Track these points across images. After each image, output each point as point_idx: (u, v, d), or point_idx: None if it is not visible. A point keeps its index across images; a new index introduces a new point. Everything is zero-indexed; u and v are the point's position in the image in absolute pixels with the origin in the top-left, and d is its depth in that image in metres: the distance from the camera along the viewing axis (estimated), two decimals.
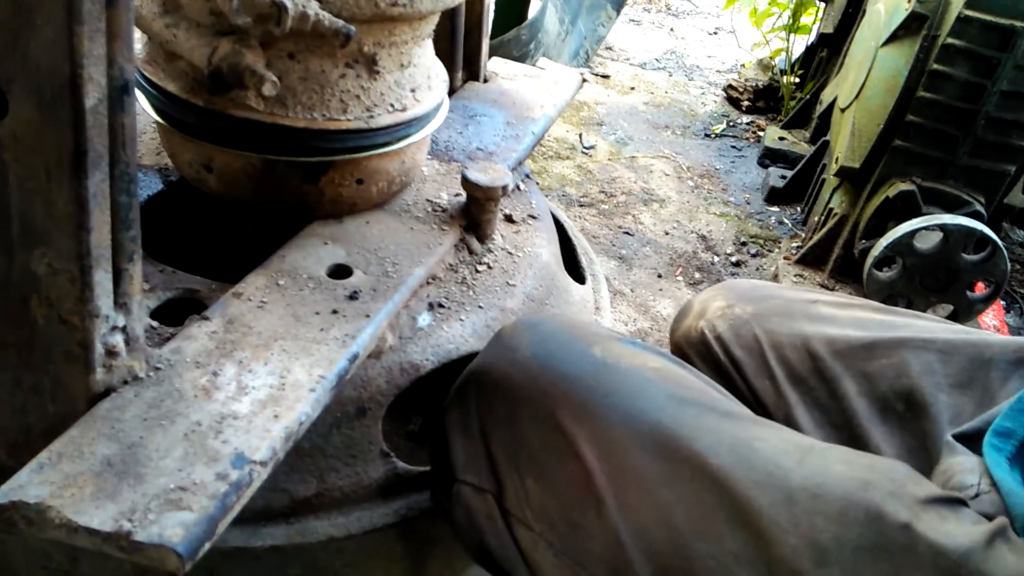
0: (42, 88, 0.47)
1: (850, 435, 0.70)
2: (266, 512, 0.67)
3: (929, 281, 1.61)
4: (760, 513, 0.52)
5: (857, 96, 1.70)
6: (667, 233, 1.98)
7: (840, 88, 1.92)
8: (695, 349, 0.83)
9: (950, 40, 1.48)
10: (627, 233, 1.95)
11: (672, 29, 3.52)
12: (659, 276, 1.81)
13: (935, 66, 1.51)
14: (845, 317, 0.77)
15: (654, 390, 0.60)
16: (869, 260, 1.59)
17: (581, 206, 2.03)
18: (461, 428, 0.65)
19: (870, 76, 1.65)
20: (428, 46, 0.81)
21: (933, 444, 0.66)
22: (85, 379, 0.55)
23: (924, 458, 0.66)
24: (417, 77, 0.78)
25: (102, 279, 0.52)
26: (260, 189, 0.75)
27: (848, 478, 0.53)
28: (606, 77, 2.90)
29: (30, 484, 0.49)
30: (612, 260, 1.85)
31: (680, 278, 1.82)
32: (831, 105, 2.03)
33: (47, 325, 0.54)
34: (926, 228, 1.52)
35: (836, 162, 1.72)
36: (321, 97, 0.71)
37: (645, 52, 3.22)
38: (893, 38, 1.59)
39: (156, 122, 0.73)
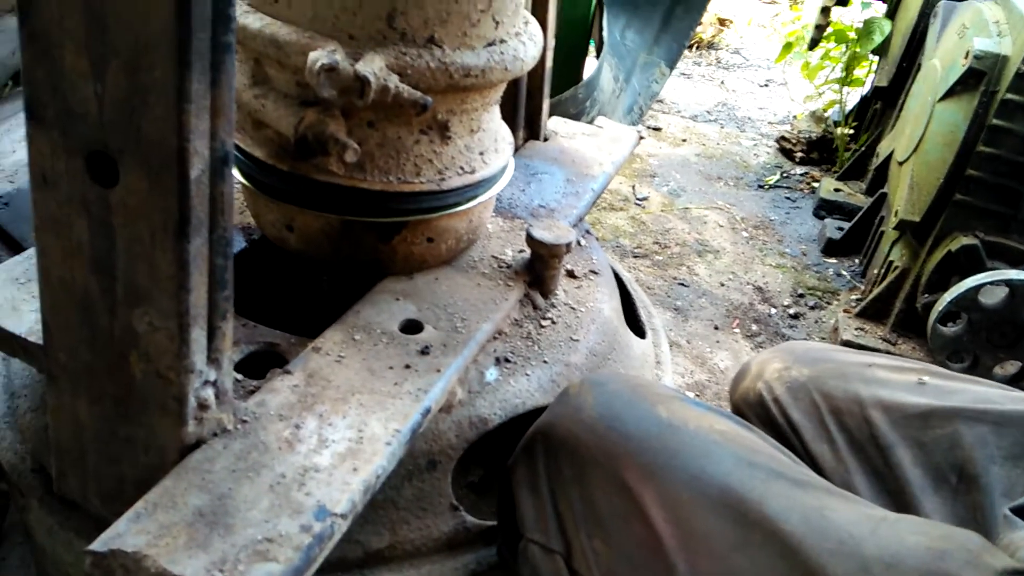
0: (151, 159, 0.50)
1: (903, 504, 0.69)
2: (340, 563, 0.69)
3: (995, 337, 1.57)
4: None
5: (915, 150, 1.69)
6: (723, 284, 1.97)
7: (897, 141, 1.91)
8: (754, 411, 0.83)
9: (1009, 96, 1.47)
10: (682, 284, 1.95)
11: (723, 82, 3.55)
12: (715, 328, 1.80)
13: (994, 121, 1.50)
14: (900, 381, 0.77)
15: (720, 452, 0.60)
16: (933, 315, 1.56)
17: (635, 257, 2.04)
18: (529, 486, 0.66)
19: (928, 130, 1.64)
20: (495, 111, 0.85)
21: (984, 516, 0.65)
22: (178, 431, 0.57)
23: (975, 530, 0.65)
24: (485, 141, 0.82)
25: (198, 336, 0.56)
26: (337, 248, 0.78)
27: (923, 548, 0.53)
28: (658, 130, 2.93)
29: (127, 533, 0.51)
30: (667, 311, 1.85)
31: (737, 330, 1.81)
32: (888, 158, 2.02)
33: (144, 379, 0.57)
34: (991, 283, 1.49)
35: (896, 215, 1.70)
36: (397, 162, 0.74)
37: (696, 104, 3.25)
38: (951, 93, 1.58)
39: (242, 185, 0.78)
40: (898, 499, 0.70)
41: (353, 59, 0.65)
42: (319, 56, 0.62)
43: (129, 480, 0.61)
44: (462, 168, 0.79)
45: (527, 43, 0.77)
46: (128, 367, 0.57)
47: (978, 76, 1.51)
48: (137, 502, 0.54)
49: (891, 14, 2.38)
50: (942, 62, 1.65)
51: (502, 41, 0.74)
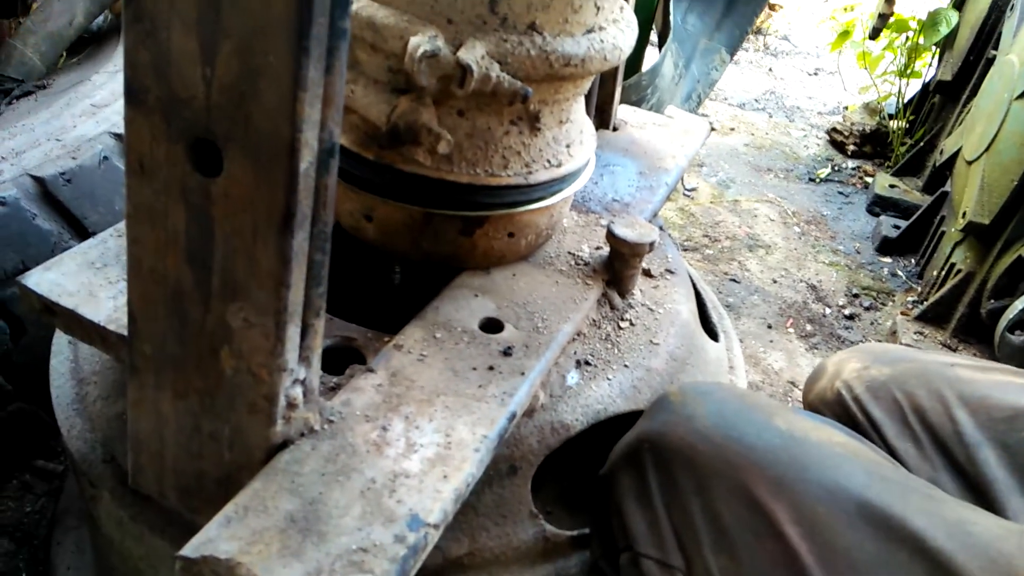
0: (259, 149, 0.48)
1: (988, 504, 0.68)
2: (420, 571, 0.66)
3: None
4: None
5: (987, 149, 1.63)
6: (775, 281, 1.93)
7: (966, 139, 1.84)
8: (831, 410, 0.83)
9: None
10: (733, 280, 1.90)
11: (771, 69, 3.47)
12: (769, 327, 1.76)
13: None
14: (985, 381, 0.76)
15: (851, 465, 0.58)
16: (1002, 323, 1.51)
17: (685, 250, 1.99)
18: (637, 498, 0.63)
19: (1003, 129, 1.58)
20: (582, 101, 0.81)
21: None
22: (266, 430, 0.55)
23: None
24: (572, 133, 0.78)
25: (293, 334, 0.53)
26: (417, 240, 0.75)
27: None
28: (704, 117, 2.87)
29: (219, 539, 0.49)
30: None
31: (791, 330, 1.76)
32: (953, 156, 1.95)
33: (235, 376, 0.55)
34: None
35: (963, 216, 1.65)
36: (485, 153, 0.71)
37: (744, 92, 3.18)
38: None
39: None
40: (983, 499, 0.69)
41: (454, 45, 0.61)
42: (421, 42, 0.59)
43: (210, 477, 0.59)
44: (549, 161, 0.76)
45: (625, 30, 0.73)
46: (218, 362, 0.55)
47: None
48: (227, 505, 0.52)
49: (958, 5, 2.30)
50: (1020, 58, 1.58)
51: (601, 28, 0.70)
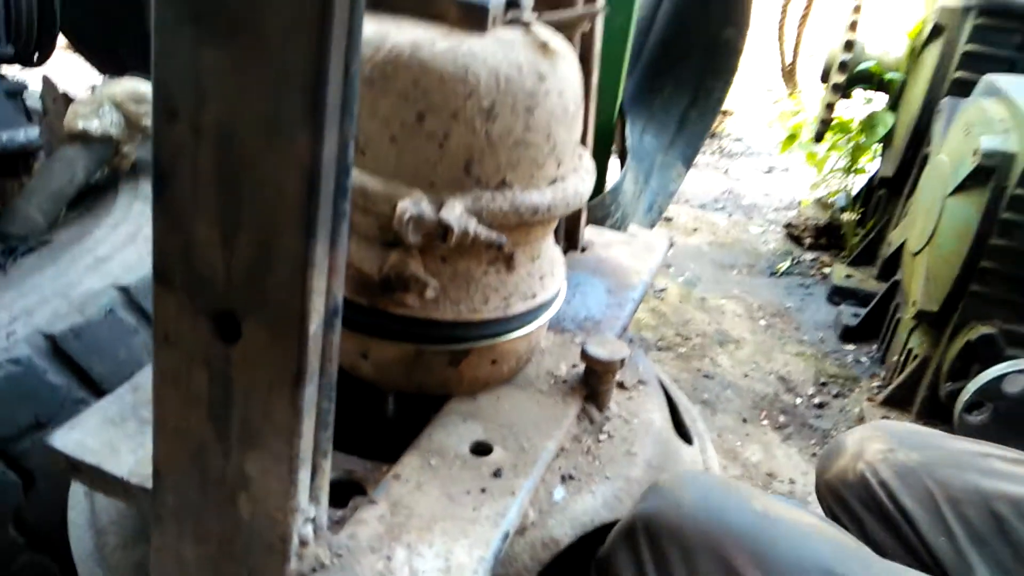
0: (274, 318, 0.55)
1: None
2: None
3: (1021, 426, 1.59)
4: None
5: (929, 242, 1.76)
6: (746, 375, 2.01)
7: (909, 232, 1.98)
8: (854, 492, 0.83)
9: (1019, 191, 1.55)
10: (707, 376, 1.98)
11: (727, 170, 3.67)
12: (744, 420, 1.82)
13: (1006, 215, 1.57)
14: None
15: (818, 542, 0.65)
16: (959, 405, 1.59)
17: (659, 350, 2.08)
18: (633, 569, 0.71)
19: (941, 223, 1.71)
20: (551, 237, 0.90)
21: None
22: (282, 569, 0.60)
23: None
24: (544, 266, 0.87)
25: (304, 476, 0.59)
26: (409, 374, 0.82)
27: None
28: (669, 220, 3.02)
29: None
30: (695, 405, 1.87)
31: (766, 422, 1.83)
32: (900, 247, 2.08)
33: (252, 520, 0.60)
34: (1013, 372, 1.53)
35: (913, 305, 1.75)
36: (467, 292, 0.79)
37: (704, 193, 3.35)
38: (961, 188, 1.65)
39: None
40: None
41: (435, 206, 0.70)
42: (407, 207, 0.68)
43: None
44: (524, 294, 0.84)
45: (585, 177, 0.83)
46: (236, 508, 0.60)
47: (987, 172, 1.58)
48: None
49: (893, 107, 2.50)
50: (950, 157, 1.73)
51: (563, 178, 0.80)
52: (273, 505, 0.59)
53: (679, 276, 2.55)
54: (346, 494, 0.76)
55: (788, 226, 2.96)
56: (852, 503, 0.83)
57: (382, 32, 0.71)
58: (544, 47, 0.73)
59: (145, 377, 0.80)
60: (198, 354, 0.57)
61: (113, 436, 0.71)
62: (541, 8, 0.78)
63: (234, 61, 0.48)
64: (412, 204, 0.68)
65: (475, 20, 0.71)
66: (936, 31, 2.14)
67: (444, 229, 0.69)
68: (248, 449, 0.58)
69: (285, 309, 0.54)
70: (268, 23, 0.47)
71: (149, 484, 0.68)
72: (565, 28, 0.79)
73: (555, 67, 0.74)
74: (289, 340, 0.55)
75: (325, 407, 0.59)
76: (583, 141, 1.06)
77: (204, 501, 0.61)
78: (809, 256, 2.80)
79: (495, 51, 0.70)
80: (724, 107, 4.21)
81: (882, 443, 0.84)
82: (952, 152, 1.76)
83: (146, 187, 1.43)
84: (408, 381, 0.83)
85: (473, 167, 0.72)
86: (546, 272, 0.87)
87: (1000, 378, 1.55)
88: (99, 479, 0.68)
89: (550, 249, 0.89)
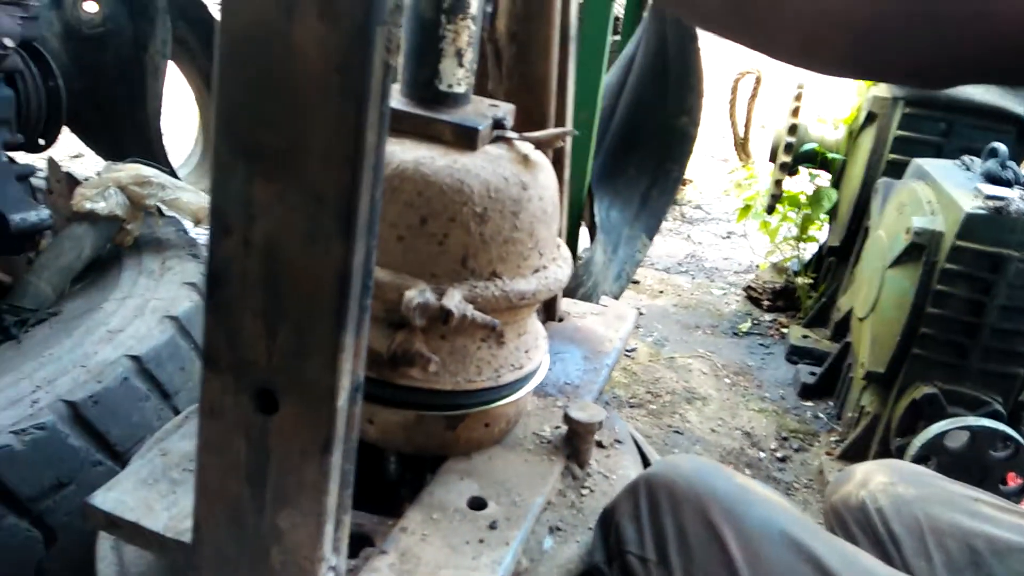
0: (308, 394, 0.65)
1: None
2: None
3: (963, 477, 1.72)
4: None
5: (873, 309, 1.91)
6: (713, 431, 2.12)
7: (855, 299, 2.13)
8: (853, 515, 0.95)
9: (948, 265, 1.71)
10: (677, 432, 2.09)
11: (689, 235, 3.85)
12: None
13: (938, 287, 1.73)
14: (1006, 520, 0.86)
15: (780, 510, 0.80)
16: (906, 459, 1.72)
17: (632, 407, 2.19)
18: (630, 516, 0.84)
19: (882, 293, 1.86)
20: (535, 315, 1.02)
21: None
22: None
23: None
24: (529, 340, 0.98)
25: (329, 529, 0.68)
26: (410, 437, 0.92)
27: None
28: (636, 283, 3.16)
29: None
30: None
31: None
32: (848, 313, 2.24)
33: (283, 569, 0.69)
34: (955, 429, 1.66)
35: (862, 366, 1.89)
36: (463, 365, 0.90)
37: (668, 257, 3.52)
38: (898, 262, 1.82)
39: None
40: None
41: (437, 294, 0.81)
42: (414, 295, 0.79)
43: None
44: (512, 365, 0.95)
45: (562, 265, 0.95)
46: (269, 559, 0.69)
47: (920, 249, 1.75)
48: None
49: (836, 184, 2.69)
50: (886, 233, 1.90)
51: (545, 267, 0.92)
52: (302, 555, 0.68)
53: (648, 336, 2.68)
54: (356, 545, 0.85)
55: (748, 288, 3.12)
56: (850, 523, 0.96)
57: (390, 151, 0.83)
58: (526, 159, 0.86)
59: (173, 442, 0.89)
60: (239, 425, 0.67)
61: (147, 496, 0.80)
62: (520, 130, 0.92)
63: (279, 189, 0.59)
64: (418, 293, 0.80)
65: (467, 140, 0.84)
66: (870, 118, 2.35)
67: (445, 314, 0.80)
68: (281, 507, 0.68)
69: (318, 387, 0.64)
70: (309, 160, 0.58)
71: (184, 538, 0.77)
72: (541, 145, 0.92)
73: (535, 177, 0.86)
74: (320, 413, 0.65)
75: (347, 468, 0.69)
76: (560, 234, 1.18)
77: (240, 553, 0.70)
78: (768, 317, 2.95)
79: (485, 166, 0.83)
80: (685, 177, 4.43)
81: (886, 476, 0.95)
82: (888, 228, 1.92)
83: (149, 262, 1.52)
84: (409, 443, 0.93)
85: (469, 261, 0.84)
86: (531, 346, 0.98)
87: (942, 435, 1.68)
88: (137, 534, 0.77)
89: (534, 325, 1.01)
